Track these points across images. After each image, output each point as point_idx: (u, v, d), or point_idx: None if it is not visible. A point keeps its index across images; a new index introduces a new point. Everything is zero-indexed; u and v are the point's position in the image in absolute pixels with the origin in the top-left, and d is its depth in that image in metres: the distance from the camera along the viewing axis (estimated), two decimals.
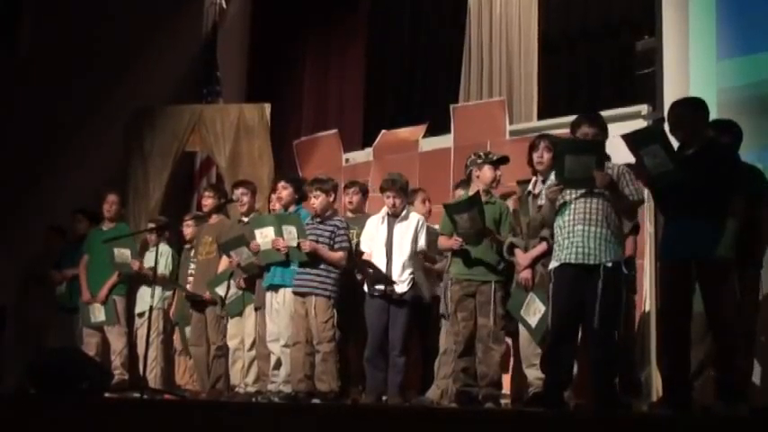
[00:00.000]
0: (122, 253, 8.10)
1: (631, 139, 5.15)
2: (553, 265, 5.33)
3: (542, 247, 5.91)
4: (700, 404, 5.14)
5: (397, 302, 6.56)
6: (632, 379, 6.05)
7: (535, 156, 6.08)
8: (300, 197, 7.32)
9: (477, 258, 6.17)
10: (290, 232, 6.90)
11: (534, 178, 6.16)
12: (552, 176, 5.46)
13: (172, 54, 11.19)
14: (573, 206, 5.26)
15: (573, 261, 5.18)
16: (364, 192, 7.41)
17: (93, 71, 10.36)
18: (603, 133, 5.39)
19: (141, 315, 8.19)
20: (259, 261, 7.16)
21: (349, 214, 7.33)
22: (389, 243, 6.69)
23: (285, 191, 7.30)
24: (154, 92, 10.80)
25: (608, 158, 5.71)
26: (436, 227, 6.90)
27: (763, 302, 5.82)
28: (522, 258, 6.04)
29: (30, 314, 8.85)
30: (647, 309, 6.71)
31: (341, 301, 6.84)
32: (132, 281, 8.36)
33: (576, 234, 5.20)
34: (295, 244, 6.84)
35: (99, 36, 10.54)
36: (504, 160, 6.42)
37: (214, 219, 8.00)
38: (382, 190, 6.85)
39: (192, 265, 8.03)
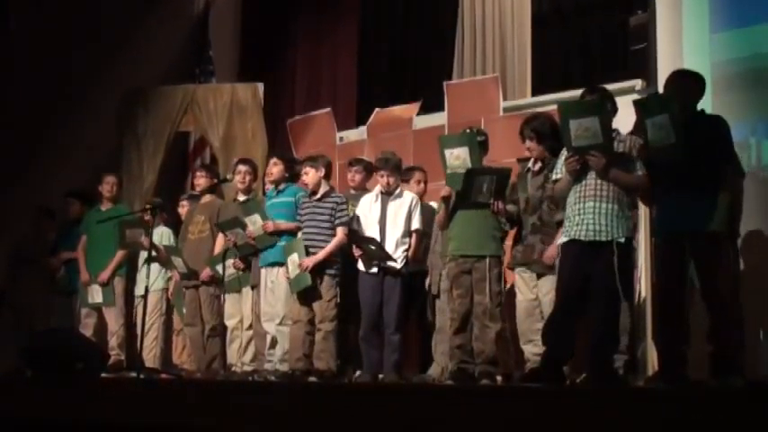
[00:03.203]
0: (134, 233, 8.09)
1: (643, 105, 5.14)
2: (562, 239, 5.32)
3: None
4: (695, 378, 5.16)
5: (391, 280, 6.57)
6: (630, 354, 6.07)
7: (525, 146, 6.13)
8: (292, 176, 7.31)
9: (472, 232, 6.15)
10: (255, 222, 7.05)
11: (532, 157, 6.17)
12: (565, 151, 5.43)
13: (164, 34, 11.13)
14: (584, 182, 5.23)
15: (583, 238, 5.16)
16: (368, 170, 7.38)
17: (84, 52, 10.30)
18: (609, 102, 5.36)
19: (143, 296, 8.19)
20: (256, 244, 7.17)
21: (351, 191, 7.33)
22: (383, 221, 6.70)
23: (276, 167, 7.30)
24: (146, 72, 10.74)
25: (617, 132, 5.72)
26: (432, 204, 6.92)
27: (747, 275, 5.83)
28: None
29: (21, 297, 8.84)
30: (642, 284, 6.71)
31: (343, 278, 6.86)
32: (137, 260, 8.35)
33: (587, 211, 5.18)
34: (261, 231, 6.99)
35: (91, 17, 10.48)
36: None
37: (206, 198, 8.00)
38: (376, 169, 6.86)
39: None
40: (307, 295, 6.78)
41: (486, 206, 5.97)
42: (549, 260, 5.90)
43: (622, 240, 5.13)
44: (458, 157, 5.96)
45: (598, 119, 5.09)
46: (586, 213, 5.18)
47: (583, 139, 5.12)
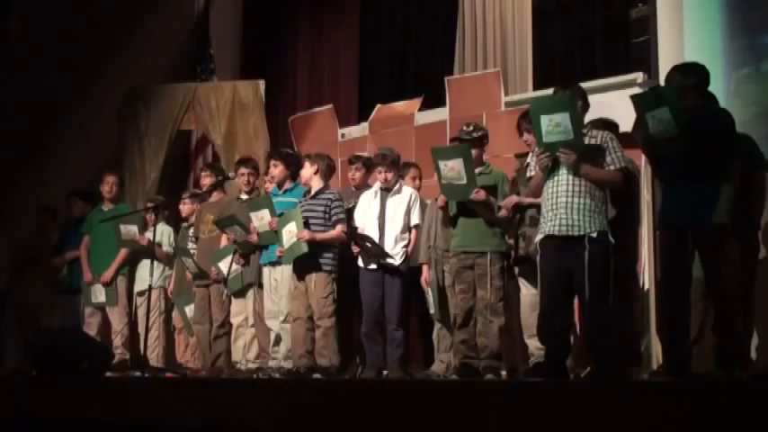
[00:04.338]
0: (129, 230, 8.10)
1: (640, 100, 5.14)
2: (539, 237, 5.35)
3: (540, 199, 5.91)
4: (699, 371, 5.16)
5: (391, 276, 6.57)
6: (632, 348, 6.07)
7: (522, 140, 6.16)
8: (294, 172, 7.29)
9: (473, 229, 6.16)
10: (262, 218, 7.02)
11: (530, 152, 6.19)
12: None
13: (165, 32, 11.15)
14: (556, 178, 5.27)
15: (557, 233, 5.20)
16: (368, 166, 7.37)
17: (86, 51, 10.32)
18: (581, 98, 5.41)
19: (142, 294, 8.20)
20: (257, 242, 7.16)
21: (353, 189, 7.33)
22: (382, 217, 6.70)
23: (276, 168, 7.28)
24: (147, 71, 10.77)
25: (614, 126, 5.72)
26: (429, 201, 6.94)
27: (761, 267, 5.82)
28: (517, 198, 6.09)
29: (25, 296, 8.86)
30: (646, 277, 6.71)
31: (345, 275, 6.84)
32: (137, 258, 8.36)
33: (559, 206, 5.22)
34: (267, 228, 6.98)
35: (92, 15, 10.49)
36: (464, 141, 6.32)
37: (215, 197, 7.98)
38: (374, 165, 6.85)
39: (191, 244, 8.02)
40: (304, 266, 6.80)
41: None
42: (507, 205, 6.02)
43: (594, 235, 5.15)
44: (452, 169, 5.96)
45: (569, 114, 5.11)
46: (559, 209, 5.22)
47: (554, 135, 5.16)
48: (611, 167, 5.26)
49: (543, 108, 5.22)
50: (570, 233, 5.17)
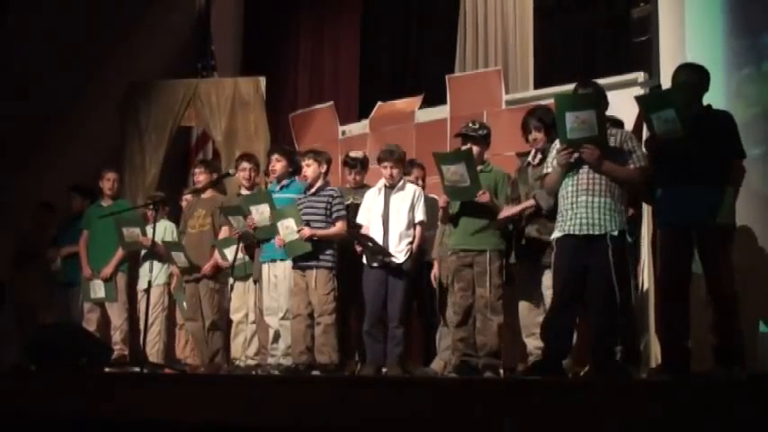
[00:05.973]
0: (132, 232, 8.09)
1: (646, 101, 5.14)
2: (556, 234, 5.34)
3: (529, 202, 5.95)
4: (698, 370, 5.16)
5: (395, 274, 6.57)
6: (632, 347, 6.06)
7: (530, 137, 6.13)
8: (294, 170, 7.30)
9: (472, 227, 6.16)
10: (263, 212, 6.99)
11: (533, 150, 6.18)
12: (557, 144, 5.43)
13: (166, 28, 11.14)
14: (576, 176, 5.25)
15: (577, 232, 5.20)
16: (363, 165, 7.36)
17: (86, 47, 10.29)
18: (602, 96, 5.39)
19: (146, 291, 8.19)
20: (257, 234, 7.16)
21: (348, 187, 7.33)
22: (386, 214, 6.69)
23: (279, 163, 7.29)
24: (148, 67, 10.75)
25: (620, 125, 5.72)
26: (432, 196, 6.93)
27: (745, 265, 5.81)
28: (506, 210, 6.08)
29: (24, 291, 8.85)
30: (645, 276, 6.70)
31: (341, 271, 6.84)
32: (139, 256, 8.36)
33: (579, 205, 5.20)
34: (267, 222, 6.96)
35: (93, 10, 10.46)
36: (469, 137, 6.34)
37: (208, 193, 7.99)
38: (380, 161, 6.85)
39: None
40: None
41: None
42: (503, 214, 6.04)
43: (616, 234, 5.16)
44: (455, 173, 5.99)
45: (595, 112, 5.11)
46: (579, 208, 5.21)
47: (578, 132, 5.15)
48: (632, 166, 5.27)
49: (569, 104, 5.21)
50: (591, 232, 5.17)
